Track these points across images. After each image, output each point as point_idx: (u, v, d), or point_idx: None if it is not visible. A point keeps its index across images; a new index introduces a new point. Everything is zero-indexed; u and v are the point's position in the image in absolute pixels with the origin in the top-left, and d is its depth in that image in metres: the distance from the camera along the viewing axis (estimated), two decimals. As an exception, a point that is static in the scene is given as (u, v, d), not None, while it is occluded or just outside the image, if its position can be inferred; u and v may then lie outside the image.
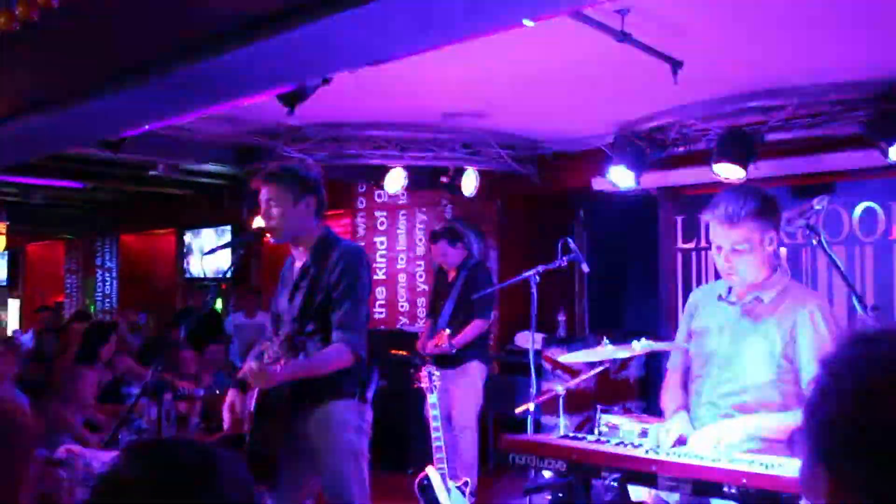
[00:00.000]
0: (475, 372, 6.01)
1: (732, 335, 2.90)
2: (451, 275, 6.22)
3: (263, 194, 3.38)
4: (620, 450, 2.79)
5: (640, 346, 3.22)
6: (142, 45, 3.09)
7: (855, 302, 3.46)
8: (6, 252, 14.53)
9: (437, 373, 5.14)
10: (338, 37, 2.57)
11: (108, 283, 12.86)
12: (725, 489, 2.38)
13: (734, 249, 2.83)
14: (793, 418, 2.70)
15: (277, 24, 2.47)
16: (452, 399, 5.90)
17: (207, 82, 3.04)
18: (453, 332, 5.90)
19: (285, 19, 2.43)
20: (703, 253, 6.47)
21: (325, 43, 2.60)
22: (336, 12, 2.33)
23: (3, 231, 10.40)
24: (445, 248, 6.16)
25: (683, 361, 3.13)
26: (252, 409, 3.33)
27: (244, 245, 3.65)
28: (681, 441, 2.86)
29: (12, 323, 15.01)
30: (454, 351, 5.82)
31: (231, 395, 3.44)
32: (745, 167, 5.26)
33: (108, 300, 12.77)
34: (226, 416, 3.39)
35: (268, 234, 3.46)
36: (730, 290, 2.98)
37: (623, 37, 3.94)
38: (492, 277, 6.59)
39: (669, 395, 3.14)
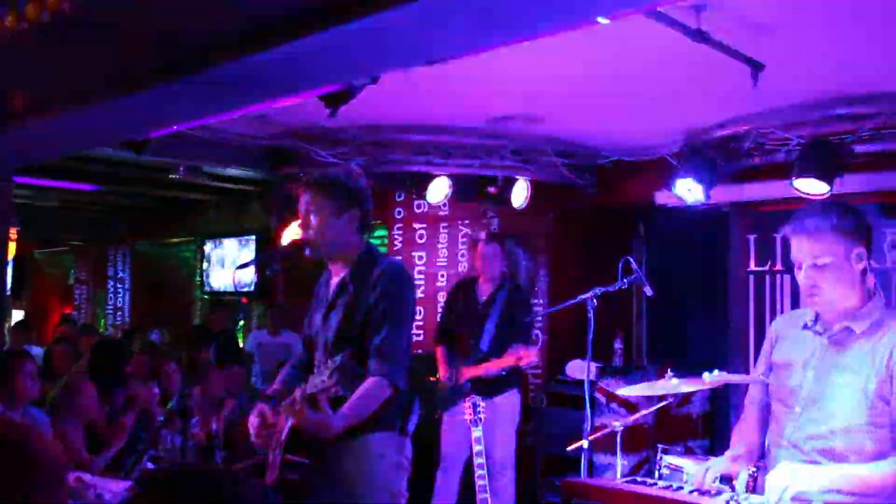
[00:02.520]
0: (516, 400, 6.01)
1: (818, 370, 2.86)
2: (485, 293, 6.20)
3: (303, 202, 3.41)
4: (697, 499, 2.76)
5: (712, 379, 3.19)
6: (177, 39, 3.14)
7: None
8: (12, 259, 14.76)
9: (483, 404, 5.13)
10: (393, 33, 2.59)
11: (120, 296, 13.03)
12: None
13: (815, 265, 2.81)
14: (891, 468, 2.65)
15: (328, 18, 2.49)
16: (491, 435, 5.87)
17: (248, 81, 3.08)
18: (496, 356, 5.90)
19: (337, 13, 2.46)
20: (778, 277, 6.40)
21: (378, 39, 2.63)
22: (393, 6, 2.35)
23: (14, 236, 10.59)
24: (498, 253, 6.14)
25: (763, 397, 3.10)
26: (282, 438, 3.34)
27: (281, 258, 3.67)
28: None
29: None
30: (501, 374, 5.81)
31: (260, 407, 3.44)
32: (829, 182, 5.20)
33: (119, 314, 12.94)
34: (253, 420, 3.38)
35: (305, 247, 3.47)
36: (816, 318, 2.94)
37: (698, 35, 3.92)
38: (529, 298, 6.57)
39: (740, 432, 3.12)
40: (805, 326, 2.97)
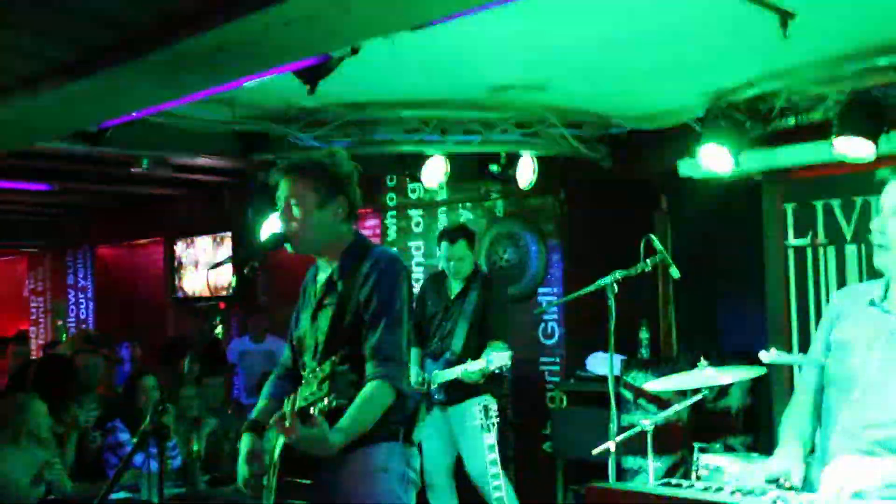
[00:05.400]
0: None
1: (885, 352, 2.84)
2: (455, 289, 6.31)
3: (282, 192, 3.39)
4: (739, 499, 2.75)
5: (771, 359, 3.20)
6: (129, 14, 3.12)
7: None
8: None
9: (495, 405, 5.12)
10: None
11: (82, 306, 13.03)
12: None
13: None
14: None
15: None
16: (463, 445, 6.00)
17: (210, 57, 3.07)
18: (472, 357, 5.97)
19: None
20: (821, 251, 6.38)
21: (355, 2, 2.61)
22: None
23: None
24: (466, 250, 6.27)
25: (818, 380, 3.08)
26: (274, 456, 3.34)
27: (261, 255, 3.65)
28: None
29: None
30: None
31: (247, 441, 3.44)
32: (875, 140, 5.19)
33: (83, 326, 12.94)
34: (244, 470, 3.39)
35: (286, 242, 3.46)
36: (885, 294, 2.91)
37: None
38: (506, 291, 6.79)
39: (790, 421, 3.10)
40: (872, 303, 2.94)
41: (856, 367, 2.89)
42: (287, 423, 3.00)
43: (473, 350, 6.09)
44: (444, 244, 6.43)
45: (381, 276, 3.34)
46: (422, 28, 3.01)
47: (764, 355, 3.12)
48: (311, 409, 2.95)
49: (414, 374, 6.11)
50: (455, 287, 6.42)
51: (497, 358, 5.82)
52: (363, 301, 3.32)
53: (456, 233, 6.44)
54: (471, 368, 5.92)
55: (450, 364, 6.12)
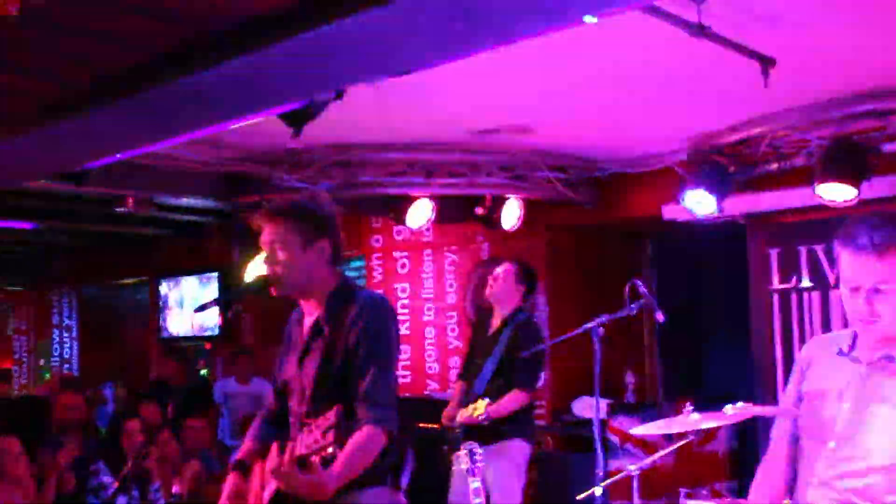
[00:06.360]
0: (517, 452, 5.95)
1: (856, 401, 2.84)
2: (494, 326, 6.16)
3: (266, 235, 3.38)
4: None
5: (735, 412, 3.17)
6: (115, 58, 3.14)
7: None
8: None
9: (481, 451, 5.08)
10: (357, 42, 2.59)
11: (66, 346, 12.95)
12: None
13: (877, 289, 2.74)
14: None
15: (283, 27, 2.49)
16: (493, 487, 5.85)
17: (194, 101, 3.07)
18: (492, 399, 5.86)
19: (293, 21, 2.45)
20: (806, 295, 6.40)
21: (342, 49, 2.62)
22: (355, 12, 2.35)
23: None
24: (513, 283, 6.10)
25: (792, 430, 3.08)
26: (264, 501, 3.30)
27: (246, 297, 3.64)
28: None
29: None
30: (485, 422, 5.76)
31: (232, 481, 3.40)
32: (857, 186, 5.22)
33: (66, 366, 12.86)
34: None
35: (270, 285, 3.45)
36: (853, 344, 2.92)
37: (699, 30, 3.94)
38: (543, 337, 6.55)
39: (764, 472, 3.10)
40: (840, 352, 2.95)
41: (828, 417, 2.88)
42: (285, 470, 2.98)
43: (494, 391, 5.93)
44: (504, 262, 6.19)
45: (370, 320, 3.33)
46: (409, 73, 3.03)
47: (729, 409, 3.10)
48: (314, 456, 2.94)
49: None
50: (495, 322, 6.21)
51: (481, 405, 5.73)
52: (352, 346, 3.30)
53: (514, 259, 6.23)
54: (465, 412, 5.85)
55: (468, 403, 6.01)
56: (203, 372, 11.03)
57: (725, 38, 4.13)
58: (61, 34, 3.14)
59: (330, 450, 2.91)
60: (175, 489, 6.15)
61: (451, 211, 7.24)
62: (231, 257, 7.82)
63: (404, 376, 8.18)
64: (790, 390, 3.12)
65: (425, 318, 8.32)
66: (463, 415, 5.89)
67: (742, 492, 6.26)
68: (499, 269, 6.12)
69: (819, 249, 6.25)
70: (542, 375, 6.43)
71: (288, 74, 2.83)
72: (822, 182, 5.34)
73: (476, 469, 5.03)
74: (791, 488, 2.96)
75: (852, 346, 2.92)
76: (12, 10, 2.67)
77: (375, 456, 3.20)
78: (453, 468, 5.99)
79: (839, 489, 2.81)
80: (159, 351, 11.23)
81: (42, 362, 13.35)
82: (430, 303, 8.31)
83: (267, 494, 3.27)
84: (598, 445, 4.49)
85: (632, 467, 4.69)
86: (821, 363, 3.01)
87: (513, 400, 5.80)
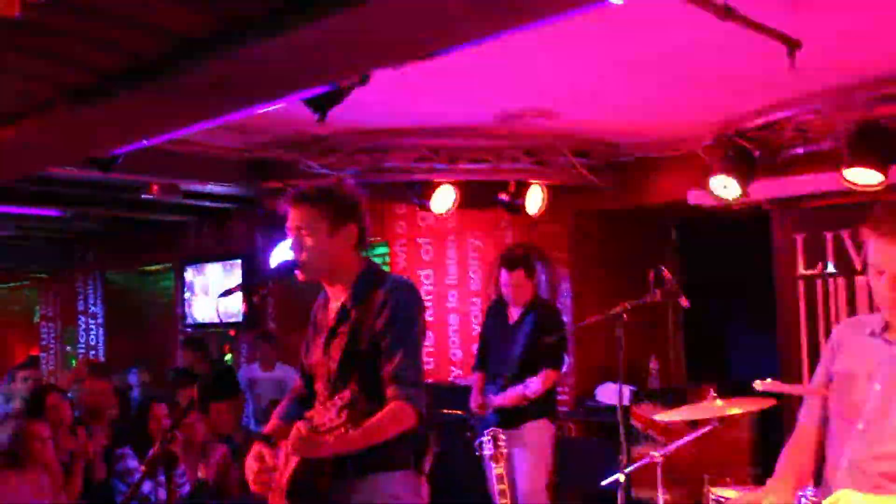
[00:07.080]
0: (542, 432, 6.02)
1: (887, 382, 2.84)
2: (515, 315, 6.23)
3: (292, 221, 3.40)
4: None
5: (764, 387, 3.16)
6: (142, 43, 3.15)
7: None
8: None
9: (504, 437, 5.11)
10: (381, 26, 2.60)
11: (92, 332, 13.04)
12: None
13: None
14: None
15: (309, 12, 2.50)
16: (518, 468, 5.90)
17: (221, 86, 3.09)
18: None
19: (319, 6, 2.46)
20: (832, 281, 6.36)
21: (366, 32, 2.63)
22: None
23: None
24: (523, 279, 6.17)
25: (821, 413, 3.07)
26: (284, 482, 3.32)
27: (271, 283, 3.66)
28: None
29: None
30: (526, 402, 5.86)
31: (256, 448, 3.42)
32: (884, 170, 5.18)
33: (93, 352, 12.95)
34: (251, 464, 3.37)
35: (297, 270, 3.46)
36: (885, 325, 2.91)
37: (725, 12, 3.93)
38: (563, 321, 6.63)
39: (789, 454, 3.09)
40: (872, 334, 2.94)
41: (858, 399, 2.88)
42: (303, 435, 3.03)
43: (526, 376, 6.03)
44: (502, 271, 6.36)
45: (398, 304, 3.34)
46: (434, 58, 3.03)
47: (758, 384, 3.09)
48: (327, 435, 2.97)
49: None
50: (514, 313, 6.36)
51: (532, 383, 5.83)
52: (379, 330, 3.32)
53: (515, 261, 6.37)
54: (510, 394, 5.92)
55: (503, 389, 6.09)
56: (227, 357, 11.09)
57: (751, 19, 4.10)
58: (89, 19, 3.17)
59: (343, 430, 2.94)
60: (200, 474, 6.20)
61: (475, 197, 7.24)
62: (255, 244, 7.85)
63: (428, 363, 8.20)
64: (820, 371, 3.11)
65: (449, 305, 8.32)
66: (496, 400, 5.97)
67: (766, 479, 6.25)
68: (508, 280, 6.24)
69: (845, 235, 6.22)
70: (567, 359, 6.50)
71: (313, 59, 2.84)
72: (850, 167, 5.31)
73: (500, 455, 5.06)
74: (818, 471, 2.96)
75: (884, 328, 2.91)
76: (14, 13, 2.69)
77: (396, 432, 3.22)
78: (481, 454, 6.05)
79: (869, 472, 2.80)
80: (181, 341, 11.30)
81: (69, 349, 13.44)
82: (453, 290, 8.32)
83: (288, 471, 3.29)
84: (622, 432, 4.50)
85: (655, 454, 4.70)
86: (852, 344, 3.00)
87: (548, 378, 5.95)
